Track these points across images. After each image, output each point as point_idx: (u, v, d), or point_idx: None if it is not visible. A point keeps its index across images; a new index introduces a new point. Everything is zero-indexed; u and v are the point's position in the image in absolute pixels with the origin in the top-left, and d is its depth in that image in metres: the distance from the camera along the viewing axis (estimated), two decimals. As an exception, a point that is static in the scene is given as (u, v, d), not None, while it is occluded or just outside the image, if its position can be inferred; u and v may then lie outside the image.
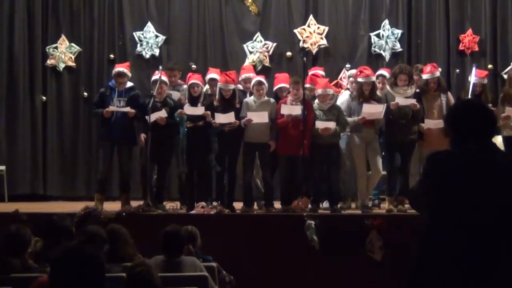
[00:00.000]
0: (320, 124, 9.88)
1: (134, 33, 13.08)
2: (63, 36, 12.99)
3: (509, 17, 13.08)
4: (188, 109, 10.09)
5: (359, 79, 10.19)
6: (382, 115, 9.98)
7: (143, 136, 10.26)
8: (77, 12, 13.09)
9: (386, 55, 13.05)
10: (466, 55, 13.00)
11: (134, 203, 9.95)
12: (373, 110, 10.01)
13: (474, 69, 10.83)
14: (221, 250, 8.07)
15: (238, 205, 10.14)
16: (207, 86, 10.71)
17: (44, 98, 12.96)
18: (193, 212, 9.78)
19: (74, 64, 13.02)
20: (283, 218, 9.58)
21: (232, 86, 10.15)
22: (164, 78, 10.37)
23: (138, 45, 13.06)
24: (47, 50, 12.98)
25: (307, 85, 10.33)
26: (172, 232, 6.62)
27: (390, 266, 8.98)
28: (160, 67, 10.61)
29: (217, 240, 8.46)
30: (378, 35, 13.09)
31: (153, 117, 9.96)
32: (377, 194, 11.04)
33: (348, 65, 12.56)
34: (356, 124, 10.09)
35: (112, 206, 10.16)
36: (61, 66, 12.98)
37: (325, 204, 10.37)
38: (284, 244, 9.21)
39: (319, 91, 10.11)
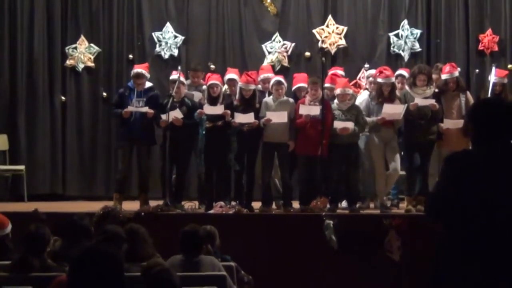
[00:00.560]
0: (338, 124, 9.87)
1: (153, 34, 13.11)
2: (82, 37, 13.04)
3: (530, 17, 13.02)
4: (208, 109, 10.10)
5: (379, 80, 10.17)
6: (401, 115, 9.95)
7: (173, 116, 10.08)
8: (96, 13, 13.13)
9: (405, 55, 13.01)
10: (485, 55, 12.94)
11: (153, 203, 9.98)
12: (393, 111, 9.98)
13: (494, 68, 10.79)
14: (239, 249, 8.06)
15: (256, 205, 10.14)
16: (225, 86, 10.71)
17: (63, 98, 13.00)
18: (211, 211, 9.79)
19: (93, 64, 13.06)
20: (301, 218, 9.57)
21: (252, 86, 10.15)
22: (182, 78, 10.39)
23: (157, 45, 13.08)
24: (67, 50, 13.03)
25: (327, 85, 10.34)
26: (191, 231, 6.62)
27: (408, 266, 8.96)
28: (179, 67, 10.62)
29: (236, 239, 8.46)
30: (397, 35, 13.05)
31: (169, 116, 9.98)
32: (396, 194, 11.02)
33: (367, 65, 12.53)
34: (375, 124, 10.07)
35: (131, 206, 10.19)
36: (80, 66, 13.02)
37: (344, 204, 10.36)
38: (303, 244, 9.21)
39: (338, 90, 10.10)
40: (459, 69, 10.77)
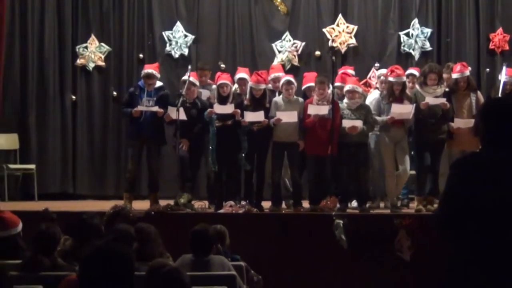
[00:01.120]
0: (346, 123, 9.85)
1: (163, 33, 13.12)
2: (93, 36, 13.06)
3: (541, 15, 12.98)
4: (218, 108, 10.10)
5: (390, 79, 10.15)
6: (411, 115, 9.92)
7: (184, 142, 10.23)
8: (106, 12, 13.15)
9: (416, 54, 12.98)
10: (496, 54, 12.91)
11: (163, 202, 9.99)
12: (402, 110, 9.95)
13: (504, 67, 10.76)
14: (249, 249, 8.07)
15: (266, 204, 10.14)
16: (236, 86, 10.71)
17: (74, 97, 13.02)
18: (221, 211, 9.79)
19: (103, 63, 13.08)
20: (311, 217, 9.56)
21: (263, 86, 10.15)
22: (193, 79, 10.39)
23: (167, 44, 13.09)
24: (77, 50, 13.05)
25: (337, 84, 10.33)
26: (201, 231, 6.62)
27: (418, 266, 8.95)
28: (189, 67, 10.64)
29: (246, 239, 8.46)
30: (407, 34, 13.03)
31: (170, 113, 10.01)
32: (406, 194, 10.99)
33: (377, 64, 12.49)
34: (385, 124, 10.05)
35: (141, 205, 10.20)
36: (91, 65, 13.05)
37: (354, 203, 10.35)
38: (312, 243, 9.20)
39: (347, 87, 10.05)
40: (470, 68, 10.74)
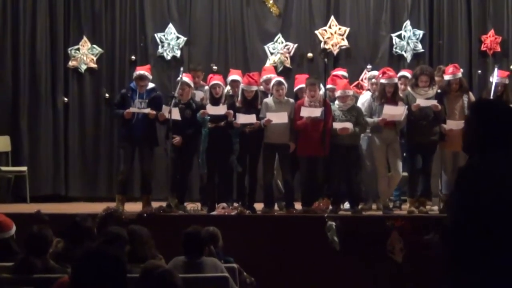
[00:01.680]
0: (337, 125, 9.87)
1: (155, 35, 13.10)
2: (85, 38, 13.03)
3: (532, 17, 13.01)
4: (210, 109, 10.11)
5: (382, 80, 10.17)
6: (402, 117, 9.95)
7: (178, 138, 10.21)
8: (98, 14, 13.12)
9: (408, 56, 12.99)
10: (488, 55, 12.91)
11: (155, 204, 9.98)
12: (394, 112, 9.98)
13: (496, 69, 10.79)
14: (242, 251, 8.07)
15: (259, 206, 10.15)
16: (228, 87, 10.72)
17: (66, 99, 12.97)
18: (214, 213, 9.79)
19: (95, 65, 13.05)
20: (303, 219, 9.57)
21: (254, 88, 10.17)
22: (187, 80, 10.39)
23: (160, 46, 13.07)
24: (69, 51, 13.02)
25: (329, 86, 10.35)
26: (193, 233, 6.62)
27: (410, 267, 8.96)
28: (182, 69, 10.63)
29: (238, 241, 8.46)
30: (399, 36, 13.04)
31: (165, 111, 10.00)
32: (399, 195, 11.01)
33: (369, 66, 12.49)
34: (377, 125, 10.06)
35: (133, 207, 10.19)
36: (83, 67, 13.02)
37: (346, 205, 10.36)
38: (305, 245, 9.21)
39: (338, 92, 10.09)
40: (462, 70, 10.77)
